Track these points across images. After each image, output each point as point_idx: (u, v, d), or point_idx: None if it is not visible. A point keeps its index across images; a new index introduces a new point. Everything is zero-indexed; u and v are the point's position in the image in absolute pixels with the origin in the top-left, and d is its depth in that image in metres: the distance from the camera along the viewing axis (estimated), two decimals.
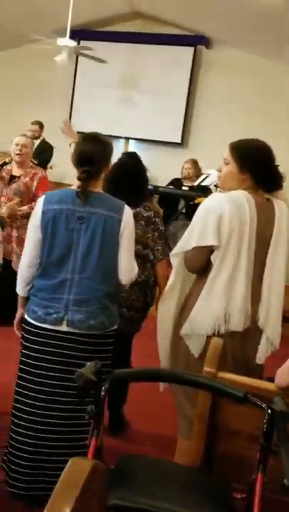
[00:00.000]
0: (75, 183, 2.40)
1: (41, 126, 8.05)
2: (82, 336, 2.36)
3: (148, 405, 3.68)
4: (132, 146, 9.30)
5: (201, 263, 2.37)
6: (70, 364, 2.34)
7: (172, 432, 3.12)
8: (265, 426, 1.59)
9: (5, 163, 4.65)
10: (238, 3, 7.00)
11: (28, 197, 4.58)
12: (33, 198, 4.48)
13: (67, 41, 7.38)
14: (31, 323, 2.38)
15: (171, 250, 7.18)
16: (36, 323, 2.36)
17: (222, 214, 2.27)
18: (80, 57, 8.96)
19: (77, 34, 8.90)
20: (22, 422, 2.40)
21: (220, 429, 2.00)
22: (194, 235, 2.33)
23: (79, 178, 2.35)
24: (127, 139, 9.40)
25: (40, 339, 2.36)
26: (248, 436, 1.93)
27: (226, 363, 2.19)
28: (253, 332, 2.36)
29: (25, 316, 2.43)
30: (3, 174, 4.63)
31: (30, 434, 2.38)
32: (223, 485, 1.81)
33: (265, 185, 2.41)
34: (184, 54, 9.24)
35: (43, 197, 2.41)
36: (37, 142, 8.01)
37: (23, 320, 2.47)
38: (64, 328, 2.34)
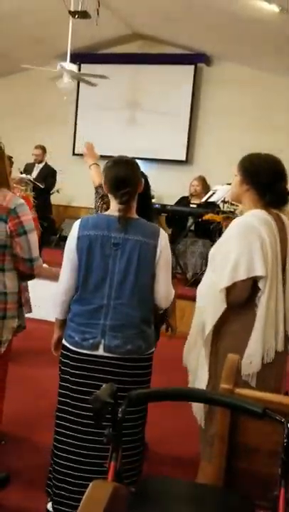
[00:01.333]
0: (112, 209, 2.40)
1: (44, 150, 8.13)
2: (120, 360, 2.35)
3: (168, 426, 3.65)
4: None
5: (246, 295, 2.30)
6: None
7: (192, 453, 3.10)
8: (285, 441, 1.56)
9: None
10: (235, 19, 7.08)
11: None
12: None
13: (67, 65, 7.49)
14: (68, 348, 2.40)
15: (181, 267, 7.18)
16: (73, 348, 2.37)
17: (263, 240, 2.26)
18: (81, 81, 9.08)
19: (78, 57, 9.04)
20: (64, 446, 2.41)
21: (240, 446, 1.97)
22: (240, 265, 2.24)
23: (121, 202, 2.32)
24: (132, 159, 9.46)
25: (77, 364, 2.37)
26: (268, 452, 1.90)
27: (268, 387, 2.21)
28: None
29: (64, 341, 2.44)
30: None
31: (72, 459, 2.39)
32: (246, 502, 1.78)
33: (270, 198, 2.38)
34: (185, 72, 9.36)
35: (78, 222, 2.39)
36: (40, 166, 8.07)
37: (62, 347, 2.47)
38: (101, 352, 2.34)
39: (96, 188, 3.15)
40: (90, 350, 2.34)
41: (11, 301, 2.53)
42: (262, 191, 2.36)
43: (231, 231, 2.36)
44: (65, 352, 2.43)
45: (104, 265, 2.32)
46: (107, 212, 2.44)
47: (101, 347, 2.33)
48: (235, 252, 2.26)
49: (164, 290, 2.43)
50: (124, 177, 2.36)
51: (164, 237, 2.42)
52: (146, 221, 2.45)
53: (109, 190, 2.40)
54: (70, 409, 2.40)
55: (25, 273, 2.56)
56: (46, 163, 8.10)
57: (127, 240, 2.33)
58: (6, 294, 2.51)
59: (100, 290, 2.33)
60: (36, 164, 8.05)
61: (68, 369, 2.40)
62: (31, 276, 2.61)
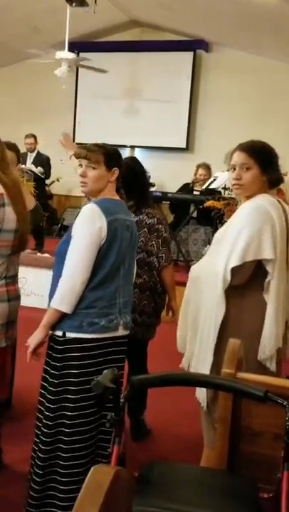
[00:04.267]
0: (111, 192, 2.41)
1: (35, 138, 8.09)
2: (125, 337, 2.45)
3: (168, 411, 3.67)
4: (138, 154, 9.33)
5: (247, 277, 2.31)
6: (121, 368, 2.43)
7: (194, 436, 3.11)
8: (287, 424, 1.56)
9: None
10: (234, 4, 7.02)
11: None
12: None
13: (66, 54, 7.44)
14: (90, 339, 2.30)
15: (183, 255, 7.19)
16: (97, 336, 2.31)
17: (274, 223, 2.28)
18: (80, 70, 9.03)
19: (76, 46, 8.99)
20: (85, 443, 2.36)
21: (243, 430, 1.98)
22: (251, 246, 2.25)
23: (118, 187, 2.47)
24: (133, 147, 9.44)
25: (101, 351, 2.34)
26: (272, 435, 1.91)
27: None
28: None
29: (75, 335, 2.31)
30: None
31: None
32: (249, 486, 1.78)
33: (272, 184, 2.42)
34: (184, 59, 9.30)
35: (98, 210, 2.28)
36: (33, 155, 8.03)
37: (64, 342, 2.33)
38: (120, 332, 2.39)
39: None
40: (113, 332, 2.36)
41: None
42: (271, 177, 2.39)
43: (242, 213, 2.36)
44: (81, 345, 2.30)
45: (123, 247, 2.37)
46: (107, 197, 2.38)
47: (121, 326, 2.38)
48: (246, 234, 2.26)
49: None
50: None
51: None
52: None
53: (122, 177, 2.46)
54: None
55: None
56: (39, 151, 8.06)
57: (132, 222, 2.49)
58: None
59: (118, 272, 2.37)
60: (29, 153, 8.01)
61: (88, 361, 2.31)
62: None
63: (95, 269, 2.30)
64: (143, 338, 3.20)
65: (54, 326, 2.35)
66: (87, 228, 2.27)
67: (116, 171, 2.38)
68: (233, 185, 2.43)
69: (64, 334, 2.33)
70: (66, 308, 2.27)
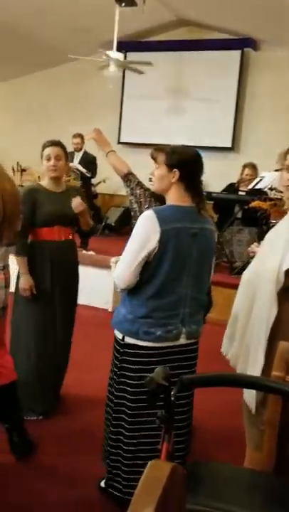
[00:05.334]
0: (182, 198, 2.36)
1: (82, 138, 8.17)
2: (194, 344, 2.47)
3: (209, 409, 3.67)
4: None
5: None
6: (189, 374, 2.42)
7: (234, 437, 3.10)
8: None
9: None
10: (283, 1, 6.92)
11: None
12: None
13: (114, 54, 7.49)
14: (146, 347, 2.36)
15: (226, 256, 7.11)
16: (153, 345, 2.35)
17: None
18: (127, 69, 9.09)
19: (123, 46, 9.03)
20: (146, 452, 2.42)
21: None
22: None
23: (200, 192, 2.38)
24: None
25: (159, 358, 2.35)
26: None
27: None
28: None
29: (134, 341, 2.38)
30: None
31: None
32: None
33: None
34: (232, 58, 9.23)
35: (153, 216, 2.29)
36: (80, 154, 8.12)
37: (124, 346, 2.41)
38: (182, 341, 2.39)
39: (126, 176, 3.02)
40: (172, 342, 2.36)
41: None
42: None
43: None
44: (139, 351, 2.36)
45: (185, 256, 2.33)
46: (175, 203, 2.37)
47: (183, 336, 2.38)
48: None
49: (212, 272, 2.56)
50: (202, 168, 2.40)
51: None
52: None
53: (186, 178, 2.35)
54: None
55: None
56: (85, 150, 8.14)
57: (202, 230, 2.39)
58: (8, 265, 2.79)
59: (180, 281, 2.34)
60: (76, 153, 8.10)
61: (145, 366, 2.34)
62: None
63: (150, 278, 2.32)
64: None
65: (117, 327, 2.44)
66: (139, 233, 2.32)
67: (176, 173, 2.34)
68: (288, 186, 2.41)
69: (123, 338, 2.42)
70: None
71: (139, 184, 2.97)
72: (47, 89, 10.68)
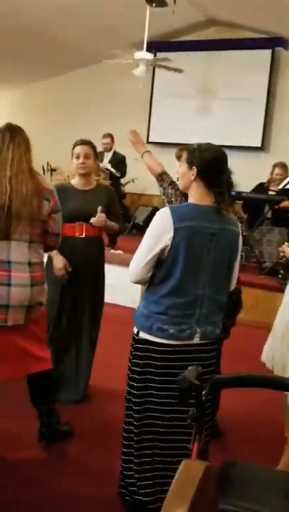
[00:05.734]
0: (202, 198, 2.32)
1: (112, 138, 8.19)
2: (209, 345, 2.42)
3: (241, 410, 3.64)
4: None
5: None
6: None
7: (266, 439, 3.07)
8: None
9: None
10: None
11: None
12: None
13: (144, 54, 7.49)
14: (159, 343, 2.35)
15: (255, 256, 7.07)
16: (166, 342, 2.33)
17: None
18: (156, 69, 9.08)
19: (154, 46, 9.03)
20: (150, 448, 2.42)
21: None
22: None
23: (219, 192, 2.31)
24: None
25: (172, 356, 2.35)
26: None
27: None
28: None
29: (147, 337, 2.37)
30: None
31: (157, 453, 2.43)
32: None
33: None
34: (262, 57, 9.15)
35: (168, 214, 2.27)
36: (110, 154, 8.15)
37: (138, 341, 2.42)
38: (195, 341, 2.36)
39: (160, 176, 3.04)
40: (186, 341, 2.34)
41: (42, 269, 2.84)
42: None
43: None
44: (150, 347, 2.36)
45: (201, 256, 2.29)
46: (195, 202, 2.35)
47: (197, 336, 2.35)
48: None
49: (236, 273, 2.51)
50: (223, 164, 2.34)
51: (239, 224, 2.47)
52: None
53: (205, 177, 2.31)
54: (167, 407, 2.36)
55: (52, 246, 2.91)
56: (115, 150, 8.16)
57: (221, 230, 2.34)
58: (43, 263, 2.86)
59: (196, 281, 2.31)
60: (106, 153, 8.13)
61: (155, 362, 2.36)
62: (54, 248, 3.02)
63: (166, 277, 2.32)
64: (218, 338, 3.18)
65: (134, 322, 2.44)
66: (153, 229, 2.32)
67: (194, 170, 2.32)
68: None
69: (138, 333, 2.42)
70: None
71: (172, 184, 2.97)
72: (77, 90, 10.75)
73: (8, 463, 2.86)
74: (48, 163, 9.05)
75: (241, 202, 7.07)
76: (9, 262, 2.63)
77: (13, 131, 2.71)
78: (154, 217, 2.35)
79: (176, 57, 8.44)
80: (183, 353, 2.35)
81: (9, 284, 2.62)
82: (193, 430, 1.66)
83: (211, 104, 9.69)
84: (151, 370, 2.37)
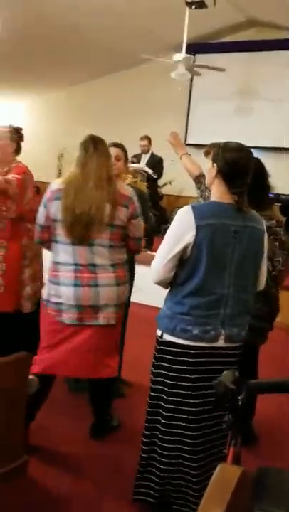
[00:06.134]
0: (222, 195, 2.29)
1: (150, 140, 8.20)
2: (234, 349, 2.37)
3: (275, 416, 3.61)
4: None
5: None
6: None
7: None
8: None
9: None
10: None
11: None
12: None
13: (183, 56, 7.48)
14: (183, 345, 2.31)
15: None
16: (190, 343, 2.29)
17: None
18: (195, 70, 9.06)
19: (193, 47, 9.00)
20: (176, 445, 2.41)
21: None
22: None
23: (239, 191, 2.26)
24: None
25: (194, 359, 2.31)
26: None
27: None
28: None
29: (171, 338, 2.34)
30: None
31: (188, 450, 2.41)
32: None
33: None
34: None
35: (190, 211, 2.26)
36: (147, 156, 8.17)
37: (162, 343, 2.38)
38: (220, 343, 2.31)
39: (198, 178, 3.05)
40: (210, 343, 2.29)
41: (127, 270, 3.00)
42: None
43: None
44: (174, 349, 2.33)
45: (225, 254, 2.25)
46: (216, 199, 2.32)
47: (221, 338, 2.30)
48: None
49: (264, 273, 2.46)
50: (245, 165, 2.27)
51: (264, 222, 2.41)
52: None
53: (225, 176, 2.27)
54: (192, 408, 2.35)
55: (134, 250, 3.05)
56: (152, 152, 8.18)
57: (245, 228, 2.29)
58: (126, 263, 2.97)
59: (220, 280, 2.26)
60: (143, 154, 8.17)
61: (184, 366, 2.32)
62: (137, 252, 3.15)
63: (189, 276, 2.28)
64: (254, 342, 3.15)
65: (158, 324, 2.41)
66: (174, 228, 2.29)
67: (215, 168, 2.30)
68: None
69: (162, 335, 2.38)
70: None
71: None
72: (116, 92, 10.82)
73: (60, 459, 2.94)
74: None
75: (280, 204, 6.99)
76: (94, 265, 2.81)
77: (96, 142, 2.89)
78: (176, 215, 2.32)
79: (216, 59, 8.41)
80: (207, 356, 2.31)
81: (96, 285, 2.81)
82: (229, 435, 1.66)
83: (250, 106, 9.61)
84: (177, 374, 2.34)
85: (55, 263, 2.86)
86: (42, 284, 3.74)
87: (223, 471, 1.08)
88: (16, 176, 3.48)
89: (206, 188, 2.96)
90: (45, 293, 2.93)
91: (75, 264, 2.80)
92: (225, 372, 1.62)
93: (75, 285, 2.79)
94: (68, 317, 2.84)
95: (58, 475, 2.78)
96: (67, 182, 2.81)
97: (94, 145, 2.87)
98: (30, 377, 2.71)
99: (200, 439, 2.38)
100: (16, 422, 2.64)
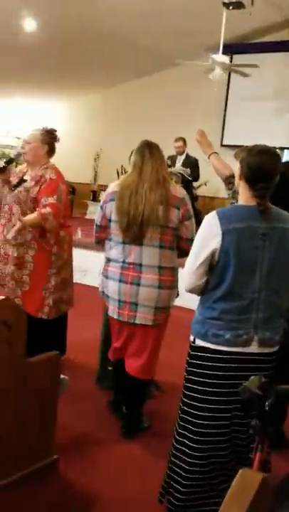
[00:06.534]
0: (247, 199, 2.27)
1: (184, 141, 8.18)
2: (267, 355, 2.34)
3: None
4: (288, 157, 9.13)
5: None
6: None
7: None
8: None
9: (10, 161, 3.67)
10: None
11: (29, 205, 3.58)
12: (36, 204, 3.56)
13: (220, 57, 7.45)
14: (215, 350, 2.30)
15: None
16: (222, 348, 2.28)
17: None
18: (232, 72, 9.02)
19: (230, 48, 8.97)
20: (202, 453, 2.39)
21: None
22: None
23: (261, 194, 2.23)
24: (282, 149, 9.22)
25: (227, 365, 2.29)
26: None
27: None
28: None
29: (203, 343, 2.33)
30: (11, 177, 3.72)
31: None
32: None
33: None
34: None
35: (215, 217, 2.25)
36: (182, 158, 8.16)
37: (195, 348, 2.38)
38: (253, 348, 2.28)
39: (228, 179, 3.02)
40: (242, 347, 2.26)
41: (177, 275, 3.07)
42: None
43: None
44: (206, 354, 2.31)
45: (253, 257, 2.22)
46: (242, 203, 2.31)
47: (254, 342, 2.27)
48: None
49: None
50: (270, 169, 2.23)
51: None
52: (277, 208, 2.34)
53: (248, 180, 2.25)
54: (225, 414, 2.33)
55: (186, 251, 2.99)
56: (188, 154, 8.16)
57: (274, 229, 2.25)
58: (175, 268, 3.06)
59: (250, 283, 2.23)
60: (178, 156, 8.16)
61: (215, 372, 2.31)
62: (188, 253, 3.09)
63: (218, 281, 2.27)
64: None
65: (191, 329, 2.40)
66: (201, 234, 2.29)
67: (240, 171, 2.28)
68: None
69: (194, 340, 2.37)
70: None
71: None
72: (152, 94, 10.85)
73: (89, 458, 2.97)
74: (122, 166, 9.20)
75: None
76: (141, 265, 2.96)
77: (151, 147, 3.02)
78: (203, 221, 2.31)
79: (253, 59, 8.33)
80: (240, 361, 2.28)
81: (138, 284, 2.95)
82: (256, 441, 1.66)
83: (287, 106, 9.50)
84: (210, 379, 2.32)
85: (107, 259, 3.10)
86: (72, 290, 3.81)
87: (244, 476, 1.08)
88: (50, 199, 3.49)
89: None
90: (100, 285, 3.18)
91: (123, 262, 3.00)
92: (251, 377, 1.62)
93: (120, 281, 3.00)
94: (111, 309, 3.08)
95: (87, 474, 2.82)
96: (123, 185, 2.98)
97: (149, 150, 3.00)
98: (62, 376, 2.76)
99: (231, 447, 2.38)
100: (48, 421, 2.69)
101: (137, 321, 3.00)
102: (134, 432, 3.24)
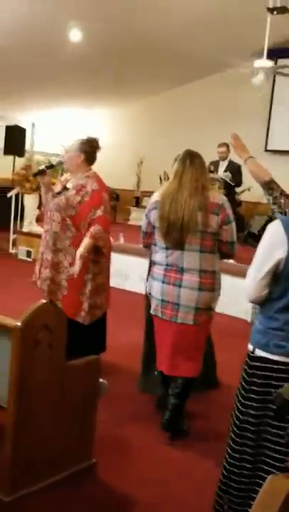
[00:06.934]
0: None
1: (228, 147, 8.13)
2: None
3: None
4: None
5: None
6: None
7: None
8: None
9: (50, 166, 3.84)
10: None
11: (71, 215, 3.60)
12: (77, 213, 3.58)
13: (264, 62, 7.41)
14: (277, 361, 2.23)
15: None
16: (285, 360, 2.21)
17: None
18: (277, 77, 8.94)
19: (274, 53, 8.90)
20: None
21: None
22: None
23: None
24: None
25: (286, 375, 2.21)
26: None
27: None
28: None
29: (263, 354, 2.27)
30: (56, 185, 3.83)
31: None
32: None
33: None
34: None
35: (280, 226, 2.20)
36: (225, 163, 8.11)
37: (253, 358, 2.31)
38: None
39: (268, 184, 2.93)
40: None
41: (218, 278, 3.21)
42: None
43: None
44: (267, 365, 2.25)
45: None
46: None
47: None
48: None
49: None
50: None
51: None
52: None
53: None
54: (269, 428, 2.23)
55: (227, 254, 3.24)
56: (231, 159, 8.11)
57: None
58: (216, 272, 3.18)
59: None
60: (221, 162, 8.13)
61: (272, 381, 2.23)
62: (230, 256, 3.34)
63: (283, 291, 2.22)
64: None
65: (250, 339, 2.34)
66: (265, 244, 2.24)
67: None
68: None
69: (254, 350, 2.31)
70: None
71: (284, 193, 2.87)
72: (196, 100, 10.88)
73: (128, 461, 3.00)
74: (164, 172, 9.25)
75: None
76: (182, 268, 3.12)
77: (193, 156, 3.16)
78: (266, 231, 2.26)
79: None
80: None
81: (180, 286, 3.12)
82: None
83: None
84: (269, 389, 2.23)
85: (153, 262, 3.32)
86: (106, 295, 3.85)
87: (273, 482, 1.09)
88: (98, 211, 3.53)
89: (281, 194, 2.87)
90: (147, 285, 3.41)
91: (166, 265, 3.18)
92: (285, 385, 1.61)
93: (163, 282, 3.18)
94: (154, 308, 3.25)
95: (126, 477, 2.84)
96: (164, 193, 3.14)
97: (190, 159, 3.14)
98: (100, 380, 2.80)
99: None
100: (87, 424, 2.74)
101: (179, 320, 3.15)
102: (175, 428, 3.25)
